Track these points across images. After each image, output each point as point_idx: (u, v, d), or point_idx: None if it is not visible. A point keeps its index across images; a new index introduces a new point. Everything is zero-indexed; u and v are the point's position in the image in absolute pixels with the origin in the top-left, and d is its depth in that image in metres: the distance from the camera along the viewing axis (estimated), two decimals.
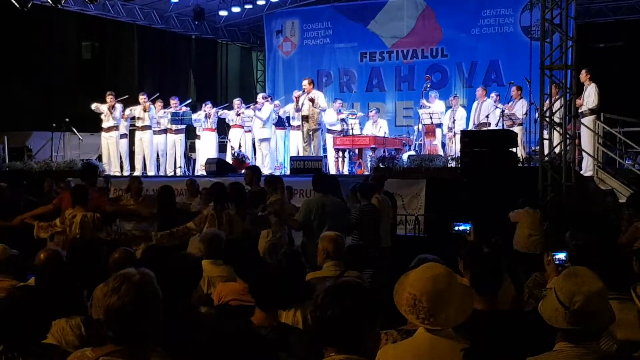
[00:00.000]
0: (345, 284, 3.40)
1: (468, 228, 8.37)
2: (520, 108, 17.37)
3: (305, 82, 18.66)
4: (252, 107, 19.88)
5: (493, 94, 18.57)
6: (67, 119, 20.18)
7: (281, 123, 19.87)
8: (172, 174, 19.42)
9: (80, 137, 20.94)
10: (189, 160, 20.94)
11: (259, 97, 20.20)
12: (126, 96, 20.04)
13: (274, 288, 5.02)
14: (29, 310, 4.14)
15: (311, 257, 8.11)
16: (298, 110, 18.61)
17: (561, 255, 6.50)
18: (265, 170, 18.82)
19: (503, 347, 4.47)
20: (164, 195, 11.36)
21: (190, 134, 20.82)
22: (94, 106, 19.50)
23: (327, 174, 14.96)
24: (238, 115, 19.79)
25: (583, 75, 15.61)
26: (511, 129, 16.55)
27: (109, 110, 19.26)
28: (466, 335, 3.84)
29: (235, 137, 19.80)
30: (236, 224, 9.76)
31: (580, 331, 3.59)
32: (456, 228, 8.48)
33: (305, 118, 18.24)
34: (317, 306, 3.25)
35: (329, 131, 19.34)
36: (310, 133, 18.23)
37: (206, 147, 19.92)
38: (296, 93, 18.88)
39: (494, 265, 5.32)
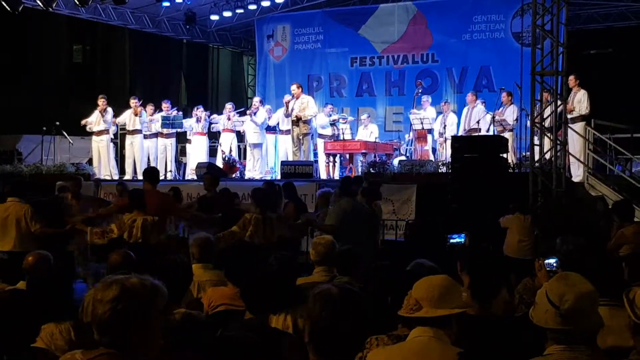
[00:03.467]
0: (336, 292, 3.41)
1: (462, 240, 8.39)
2: (510, 114, 17.38)
3: (293, 87, 18.67)
4: (247, 111, 19.87)
5: (478, 101, 18.58)
6: (57, 123, 20.09)
7: (271, 128, 19.85)
8: (163, 178, 19.36)
9: (71, 141, 20.86)
10: (180, 165, 20.91)
11: (255, 100, 20.21)
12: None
13: (264, 292, 5.01)
14: (18, 314, 4.12)
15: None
16: (288, 115, 18.57)
17: (552, 261, 6.51)
18: (256, 175, 18.84)
19: (495, 353, 4.47)
20: (225, 199, 11.40)
21: (181, 138, 20.78)
22: (83, 122, 19.45)
23: (351, 178, 14.95)
24: (229, 119, 19.77)
25: (572, 81, 15.63)
26: (502, 134, 16.57)
27: (100, 114, 19.18)
28: (458, 341, 3.84)
29: (225, 141, 19.78)
30: (276, 229, 9.91)
31: (571, 332, 3.59)
32: (451, 240, 8.50)
33: (295, 122, 18.22)
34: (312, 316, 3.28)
35: (320, 136, 19.35)
36: (300, 137, 18.19)
37: (197, 151, 19.89)
38: (286, 98, 18.86)
39: (492, 271, 5.33)
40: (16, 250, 10.00)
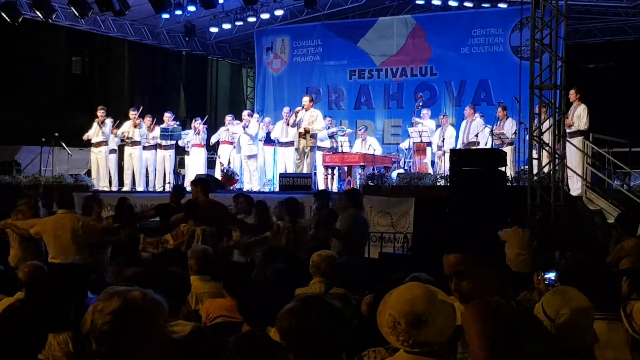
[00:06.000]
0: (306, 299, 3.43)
1: None
2: (509, 127, 17.36)
3: (306, 99, 18.50)
4: (240, 125, 19.85)
5: (477, 114, 18.59)
6: (56, 134, 20.11)
7: (270, 140, 19.81)
8: (162, 189, 19.36)
9: (70, 152, 20.88)
10: (178, 176, 20.90)
11: (244, 114, 20.12)
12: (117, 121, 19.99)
13: (262, 304, 5.01)
14: (27, 326, 4.10)
15: (350, 271, 8.43)
16: (294, 125, 18.47)
17: (551, 275, 6.52)
18: (255, 187, 18.81)
19: None
20: (262, 210, 11.55)
21: (180, 149, 20.77)
22: (85, 137, 19.49)
23: (358, 190, 15.01)
24: (227, 130, 19.76)
25: (572, 95, 15.66)
26: (502, 148, 16.57)
27: (98, 125, 19.20)
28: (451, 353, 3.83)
29: (224, 153, 19.77)
30: (305, 238, 10.16)
31: (565, 345, 3.59)
32: None
33: (302, 135, 18.15)
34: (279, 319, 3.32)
35: (319, 148, 19.28)
36: (306, 150, 18.13)
37: (195, 163, 19.87)
38: (296, 108, 18.76)
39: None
40: (74, 262, 10.01)
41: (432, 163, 18.79)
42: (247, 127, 19.37)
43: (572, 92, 15.56)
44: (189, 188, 18.93)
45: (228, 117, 20.38)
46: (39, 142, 20.46)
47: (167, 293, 5.18)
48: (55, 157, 20.59)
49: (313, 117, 18.20)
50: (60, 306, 5.21)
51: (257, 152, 19.50)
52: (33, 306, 4.42)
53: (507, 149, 16.71)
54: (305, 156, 18.16)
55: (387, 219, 15.25)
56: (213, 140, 20.14)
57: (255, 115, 20.75)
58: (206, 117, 21.44)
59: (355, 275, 8.48)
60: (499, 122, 17.61)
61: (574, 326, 3.60)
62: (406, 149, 19.68)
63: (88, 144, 19.77)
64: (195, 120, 20.27)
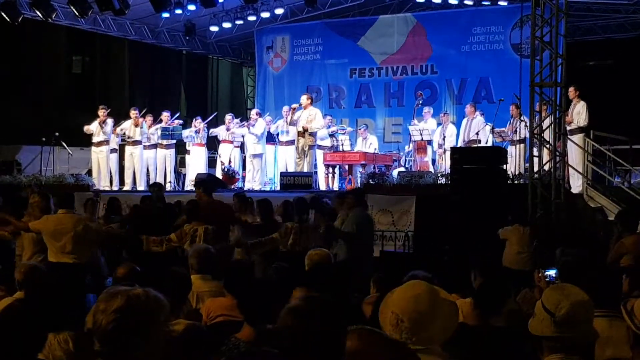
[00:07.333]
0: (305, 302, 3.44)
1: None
2: (523, 125, 17.23)
3: (303, 98, 18.55)
4: (245, 124, 19.85)
5: (477, 112, 18.56)
6: (57, 133, 20.09)
7: (271, 139, 19.80)
8: None
9: (70, 152, 20.86)
10: (179, 175, 20.89)
11: (252, 112, 20.18)
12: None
13: (262, 303, 5.00)
14: (26, 325, 4.10)
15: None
16: (293, 124, 18.49)
17: (552, 273, 6.52)
18: (256, 186, 18.82)
19: None
20: (265, 208, 11.60)
21: (180, 149, 20.75)
22: (85, 129, 19.45)
23: (362, 188, 15.04)
24: (228, 130, 19.74)
25: (572, 92, 15.66)
26: (513, 147, 16.64)
27: (99, 125, 19.18)
28: (455, 351, 3.82)
29: (225, 152, 19.75)
30: (312, 238, 10.29)
31: (565, 340, 3.59)
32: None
33: (301, 134, 18.16)
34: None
35: (319, 147, 19.26)
36: (305, 149, 18.13)
37: (196, 162, 19.87)
38: (293, 106, 18.75)
39: (499, 285, 5.35)
40: (73, 262, 9.94)
41: (433, 161, 18.80)
42: (252, 126, 19.36)
43: (571, 89, 15.56)
44: (188, 187, 19.13)
45: (228, 117, 20.35)
46: (40, 142, 20.45)
47: (168, 292, 5.20)
48: (55, 157, 20.57)
49: (312, 116, 18.19)
50: (59, 305, 5.21)
51: (262, 152, 19.50)
52: (32, 306, 4.42)
53: (519, 147, 16.69)
54: (305, 155, 18.16)
55: (388, 217, 15.27)
56: (213, 132, 20.10)
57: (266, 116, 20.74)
58: (214, 114, 21.55)
59: (366, 273, 8.51)
60: (512, 120, 17.55)
61: (573, 320, 3.60)
62: (408, 150, 19.70)
63: (89, 143, 19.76)
64: (195, 119, 20.27)
